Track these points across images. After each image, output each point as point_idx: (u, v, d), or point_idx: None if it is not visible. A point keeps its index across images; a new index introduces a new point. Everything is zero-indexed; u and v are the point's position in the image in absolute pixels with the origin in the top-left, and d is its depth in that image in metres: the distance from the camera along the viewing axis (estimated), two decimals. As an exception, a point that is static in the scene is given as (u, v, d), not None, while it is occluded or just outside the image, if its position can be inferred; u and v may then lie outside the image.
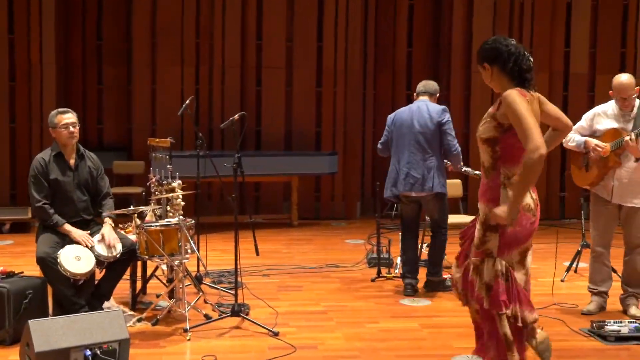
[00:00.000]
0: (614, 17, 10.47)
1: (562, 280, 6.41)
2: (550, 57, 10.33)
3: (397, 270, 6.48)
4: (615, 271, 5.66)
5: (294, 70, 10.21)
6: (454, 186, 7.37)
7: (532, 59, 3.48)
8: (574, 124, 5.32)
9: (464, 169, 6.60)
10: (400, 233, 6.15)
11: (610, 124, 5.15)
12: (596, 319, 4.93)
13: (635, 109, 5.09)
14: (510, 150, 3.39)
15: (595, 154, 5.14)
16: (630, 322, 4.80)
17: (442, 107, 5.95)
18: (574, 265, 6.62)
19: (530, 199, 3.40)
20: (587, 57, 10.43)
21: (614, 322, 4.79)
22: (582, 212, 6.82)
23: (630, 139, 4.90)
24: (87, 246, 4.85)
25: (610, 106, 5.22)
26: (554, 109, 3.65)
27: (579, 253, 6.57)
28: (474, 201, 6.89)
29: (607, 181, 5.17)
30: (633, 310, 5.22)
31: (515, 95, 3.31)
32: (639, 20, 10.44)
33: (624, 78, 5.05)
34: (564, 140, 5.27)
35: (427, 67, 10.75)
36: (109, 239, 4.90)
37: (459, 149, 5.92)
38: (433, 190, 5.81)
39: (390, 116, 6.11)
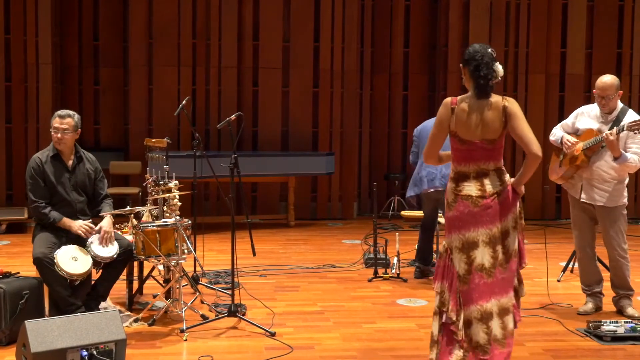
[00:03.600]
0: (609, 18, 10.50)
1: (558, 281, 6.42)
2: (546, 59, 10.36)
3: (393, 271, 6.50)
4: (603, 263, 5.67)
5: (290, 71, 10.21)
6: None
7: (496, 69, 3.74)
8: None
9: None
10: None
11: (590, 123, 5.20)
12: (592, 319, 4.94)
13: (616, 112, 5.13)
14: (454, 152, 3.81)
15: (565, 149, 5.22)
16: (627, 322, 4.81)
17: None
18: (570, 265, 6.62)
19: (476, 190, 3.70)
20: (584, 58, 10.46)
21: (610, 322, 4.80)
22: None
23: (611, 134, 4.93)
24: (87, 236, 4.85)
25: (595, 107, 5.26)
26: (519, 129, 3.71)
27: (574, 253, 6.56)
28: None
29: (577, 180, 5.26)
30: (630, 310, 5.23)
31: (440, 109, 3.81)
32: (634, 21, 10.48)
33: (607, 78, 5.12)
34: (550, 134, 5.39)
35: (423, 68, 10.78)
36: (104, 233, 4.87)
37: None
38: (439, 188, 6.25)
39: (417, 128, 6.54)
